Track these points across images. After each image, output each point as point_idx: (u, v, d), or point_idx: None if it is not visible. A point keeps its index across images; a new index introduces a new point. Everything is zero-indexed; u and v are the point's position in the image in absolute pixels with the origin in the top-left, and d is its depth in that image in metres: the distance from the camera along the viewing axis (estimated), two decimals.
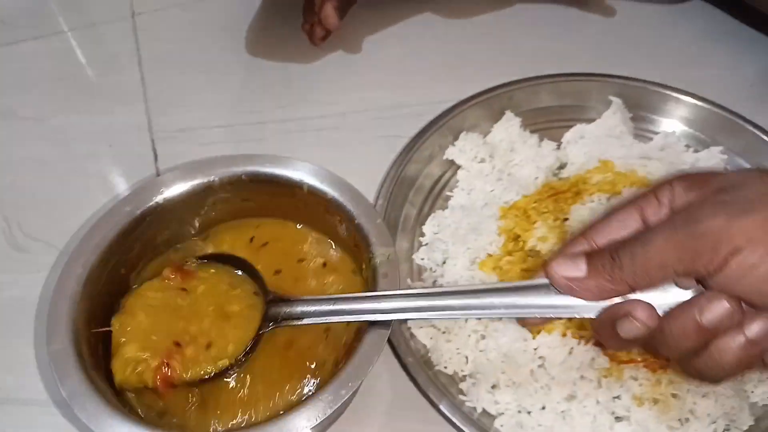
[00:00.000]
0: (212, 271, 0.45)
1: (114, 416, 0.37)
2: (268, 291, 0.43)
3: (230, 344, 0.42)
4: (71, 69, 0.75)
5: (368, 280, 0.45)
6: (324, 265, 0.49)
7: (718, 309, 0.30)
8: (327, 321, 0.41)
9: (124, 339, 0.42)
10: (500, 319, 0.49)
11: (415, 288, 0.52)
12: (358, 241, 0.46)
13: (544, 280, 0.36)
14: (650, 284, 0.33)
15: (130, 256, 0.47)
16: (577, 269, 0.34)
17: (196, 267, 0.46)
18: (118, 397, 0.41)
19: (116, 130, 0.67)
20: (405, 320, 0.50)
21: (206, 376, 0.41)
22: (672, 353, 0.33)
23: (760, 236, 0.29)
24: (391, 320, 0.41)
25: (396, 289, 0.43)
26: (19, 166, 0.64)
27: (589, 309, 0.35)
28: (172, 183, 0.48)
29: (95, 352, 0.42)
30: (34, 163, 0.64)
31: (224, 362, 0.41)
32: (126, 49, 0.75)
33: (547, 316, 0.39)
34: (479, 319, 0.48)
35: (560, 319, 0.46)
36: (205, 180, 0.48)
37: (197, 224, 0.51)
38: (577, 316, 0.36)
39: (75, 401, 0.38)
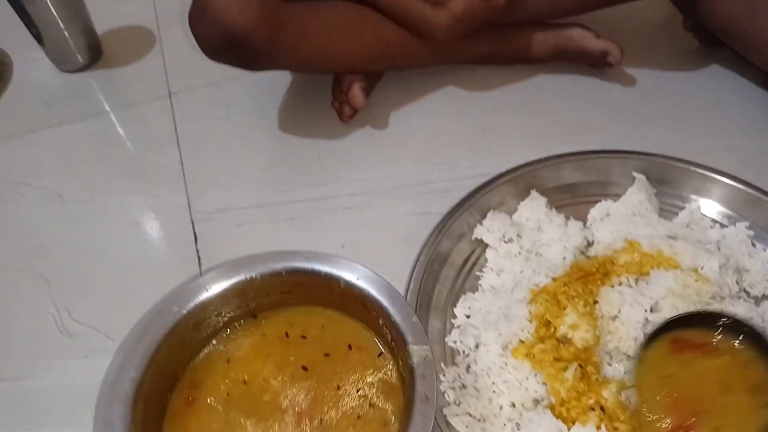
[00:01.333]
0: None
1: None
2: None
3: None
4: (112, 150, 0.78)
5: (406, 380, 0.46)
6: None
7: None
8: None
9: None
10: (535, 408, 0.50)
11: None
12: (395, 337, 0.47)
13: None
14: None
15: (178, 353, 0.50)
16: None
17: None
18: None
19: (158, 211, 0.70)
20: (440, 408, 0.51)
21: None
22: None
23: None
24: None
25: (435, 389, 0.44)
26: (64, 249, 0.67)
27: None
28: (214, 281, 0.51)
29: None
30: (80, 247, 0.67)
31: None
32: (164, 129, 0.79)
33: None
34: None
35: None
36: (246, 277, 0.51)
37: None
38: None
39: None
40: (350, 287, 0.50)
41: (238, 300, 0.52)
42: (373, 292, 0.49)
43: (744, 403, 0.45)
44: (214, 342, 0.52)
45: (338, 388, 0.49)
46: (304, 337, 0.52)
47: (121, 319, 0.59)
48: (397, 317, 0.47)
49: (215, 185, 0.72)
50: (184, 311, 0.49)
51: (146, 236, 0.68)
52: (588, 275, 0.57)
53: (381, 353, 0.50)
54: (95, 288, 0.64)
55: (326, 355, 0.51)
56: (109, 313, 0.61)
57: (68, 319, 0.61)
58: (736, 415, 0.44)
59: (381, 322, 0.49)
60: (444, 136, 0.76)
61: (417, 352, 0.46)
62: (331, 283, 0.51)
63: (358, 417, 0.47)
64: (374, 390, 0.49)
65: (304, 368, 0.50)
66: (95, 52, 0.89)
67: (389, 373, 0.49)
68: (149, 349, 0.47)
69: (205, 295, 0.50)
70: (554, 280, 0.57)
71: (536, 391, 0.51)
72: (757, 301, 0.58)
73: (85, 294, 0.63)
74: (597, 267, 0.58)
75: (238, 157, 0.76)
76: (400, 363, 0.48)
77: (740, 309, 0.54)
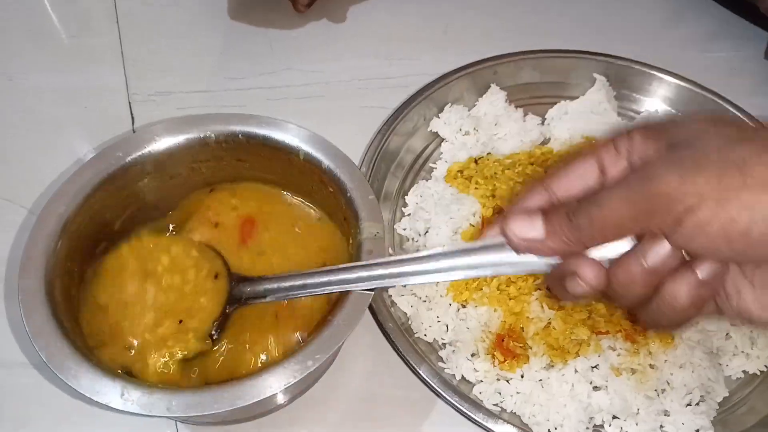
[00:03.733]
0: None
1: (76, 359, 0.36)
2: (232, 272, 0.43)
3: (199, 322, 0.41)
4: (45, 26, 0.72)
5: (353, 256, 0.44)
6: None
7: (661, 250, 0.30)
8: (290, 297, 0.40)
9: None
10: (480, 288, 0.49)
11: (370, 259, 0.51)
12: (348, 215, 0.45)
13: (501, 239, 0.35)
14: (606, 243, 0.33)
15: (115, 203, 0.46)
16: (534, 229, 0.33)
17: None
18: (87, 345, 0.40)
19: (92, 91, 0.65)
20: (386, 288, 0.50)
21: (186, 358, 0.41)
22: (625, 302, 0.33)
23: (712, 193, 0.29)
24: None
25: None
26: None
27: (543, 265, 0.34)
28: (164, 134, 0.47)
29: (68, 293, 0.41)
30: (3, 123, 0.62)
31: (199, 345, 0.41)
32: (103, 7, 0.73)
33: (504, 273, 0.38)
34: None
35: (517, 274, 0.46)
36: (201, 135, 0.47)
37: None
38: (531, 271, 0.36)
39: (38, 341, 0.37)
40: (309, 160, 0.46)
41: (186, 161, 0.48)
42: (332, 165, 0.46)
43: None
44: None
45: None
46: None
47: (45, 192, 0.55)
48: (353, 193, 0.44)
49: (156, 69, 0.67)
50: (127, 159, 0.45)
51: (77, 114, 0.63)
52: (536, 161, 0.56)
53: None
54: (15, 162, 0.59)
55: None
56: (32, 188, 0.56)
57: None
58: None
59: (336, 199, 0.46)
60: (405, 33, 0.72)
61: (368, 228, 0.43)
62: (290, 156, 0.47)
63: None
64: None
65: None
66: None
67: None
68: (83, 189, 0.43)
69: (152, 146, 0.46)
70: (505, 167, 0.56)
71: None
72: None
73: (6, 168, 0.58)
74: (545, 154, 0.57)
75: (183, 43, 0.70)
76: (350, 240, 0.45)
77: None
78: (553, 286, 0.35)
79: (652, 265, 0.31)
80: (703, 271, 0.31)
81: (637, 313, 0.34)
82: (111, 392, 0.36)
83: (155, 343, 0.41)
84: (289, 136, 0.47)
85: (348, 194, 0.44)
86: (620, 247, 0.32)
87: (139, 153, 0.46)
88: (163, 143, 0.47)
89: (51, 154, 0.59)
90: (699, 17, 0.75)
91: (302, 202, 0.50)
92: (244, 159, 0.49)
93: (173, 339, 0.41)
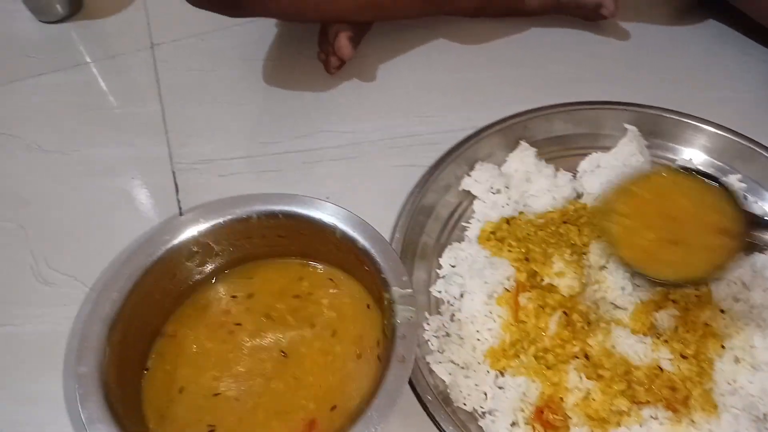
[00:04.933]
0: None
1: None
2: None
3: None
4: (92, 101, 0.76)
5: (387, 337, 0.45)
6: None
7: None
8: None
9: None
10: (518, 356, 0.49)
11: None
12: (382, 295, 0.46)
13: None
14: None
15: (166, 284, 0.49)
16: None
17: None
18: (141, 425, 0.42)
19: (138, 162, 0.69)
20: (424, 356, 0.51)
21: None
22: None
23: None
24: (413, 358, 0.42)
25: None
26: (44, 200, 0.66)
27: None
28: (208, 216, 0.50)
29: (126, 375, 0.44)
30: (59, 198, 0.66)
31: None
32: (146, 81, 0.77)
33: None
34: None
35: None
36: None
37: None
38: None
39: (92, 426, 0.39)
40: (346, 238, 0.48)
41: (226, 242, 0.50)
42: (367, 245, 0.47)
43: (709, 240, 0.47)
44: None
45: (333, 334, 0.48)
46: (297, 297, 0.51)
47: (100, 268, 0.58)
48: (388, 275, 0.46)
49: (198, 136, 0.70)
50: (174, 242, 0.48)
51: (126, 186, 0.66)
52: (569, 220, 0.56)
53: (368, 305, 0.50)
54: (73, 237, 0.62)
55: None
56: (87, 262, 0.59)
57: (45, 268, 0.60)
58: (701, 247, 0.47)
59: (371, 278, 0.48)
60: (433, 89, 0.74)
61: (402, 312, 0.44)
62: (326, 232, 0.49)
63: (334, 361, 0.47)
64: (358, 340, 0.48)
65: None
66: (75, 2, 0.86)
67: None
68: (133, 275, 0.46)
69: (189, 233, 0.49)
70: (538, 227, 0.56)
71: None
72: (747, 252, 0.57)
73: (63, 243, 0.62)
74: (578, 211, 0.57)
75: (222, 109, 0.74)
76: (385, 322, 0.46)
77: None
78: None
79: None
80: None
81: None
82: None
83: None
84: (326, 215, 0.49)
85: (382, 275, 0.45)
86: None
87: (185, 236, 0.49)
88: (207, 224, 0.50)
89: (104, 230, 0.62)
90: (739, 58, 0.75)
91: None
92: (284, 235, 0.51)
93: None
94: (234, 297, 0.51)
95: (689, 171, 0.51)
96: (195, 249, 0.50)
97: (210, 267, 0.51)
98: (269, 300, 0.51)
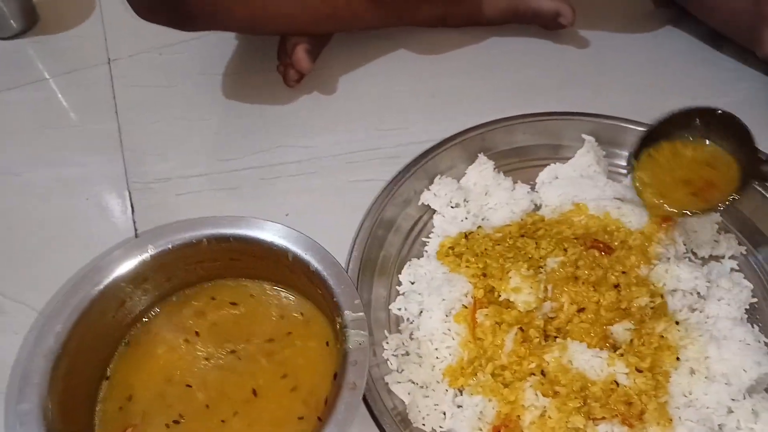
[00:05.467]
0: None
1: None
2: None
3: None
4: (49, 118, 0.74)
5: (337, 362, 0.44)
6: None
7: None
8: None
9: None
10: (476, 374, 0.49)
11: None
12: (334, 318, 0.46)
13: None
14: None
15: (113, 314, 0.48)
16: None
17: None
18: None
19: (93, 181, 0.67)
20: (382, 376, 0.50)
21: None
22: None
23: None
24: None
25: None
26: None
27: None
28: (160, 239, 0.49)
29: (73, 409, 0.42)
30: (12, 222, 0.64)
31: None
32: (103, 97, 0.75)
33: None
34: None
35: None
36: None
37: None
38: None
39: None
40: (299, 261, 0.47)
41: (175, 267, 0.49)
42: (320, 268, 0.47)
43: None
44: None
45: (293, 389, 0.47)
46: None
47: (51, 294, 0.57)
48: (340, 298, 0.45)
49: (154, 154, 0.69)
50: (119, 273, 0.47)
51: (80, 207, 0.65)
52: (526, 233, 0.56)
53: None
54: (25, 262, 0.61)
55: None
56: (37, 288, 0.58)
57: None
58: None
59: (324, 301, 0.47)
60: (393, 100, 0.74)
61: (353, 336, 0.44)
62: (278, 255, 0.48)
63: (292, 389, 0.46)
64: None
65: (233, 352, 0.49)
66: (30, 17, 0.84)
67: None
68: (79, 307, 0.45)
69: (138, 259, 0.48)
70: (495, 241, 0.56)
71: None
72: (704, 261, 0.57)
73: (15, 268, 0.60)
74: (535, 224, 0.57)
75: (179, 125, 0.72)
76: (337, 344, 0.46)
77: (685, 270, 0.53)
78: None
79: None
80: None
81: None
82: None
83: None
84: (278, 238, 0.48)
85: (334, 299, 0.45)
86: None
87: (136, 260, 0.47)
88: (158, 249, 0.48)
89: (57, 254, 0.61)
90: (701, 66, 0.75)
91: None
92: (237, 258, 0.50)
93: None
94: (186, 323, 0.50)
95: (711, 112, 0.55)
96: (144, 276, 0.48)
97: (158, 293, 0.50)
98: (224, 328, 0.50)
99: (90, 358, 0.46)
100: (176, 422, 0.44)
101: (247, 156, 0.68)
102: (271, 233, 0.48)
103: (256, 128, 0.71)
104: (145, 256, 0.48)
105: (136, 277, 0.48)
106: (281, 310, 0.50)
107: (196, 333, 0.49)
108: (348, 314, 0.44)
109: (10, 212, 0.65)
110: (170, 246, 0.48)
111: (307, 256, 0.47)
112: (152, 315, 0.50)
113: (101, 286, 0.46)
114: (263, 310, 0.50)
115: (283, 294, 0.51)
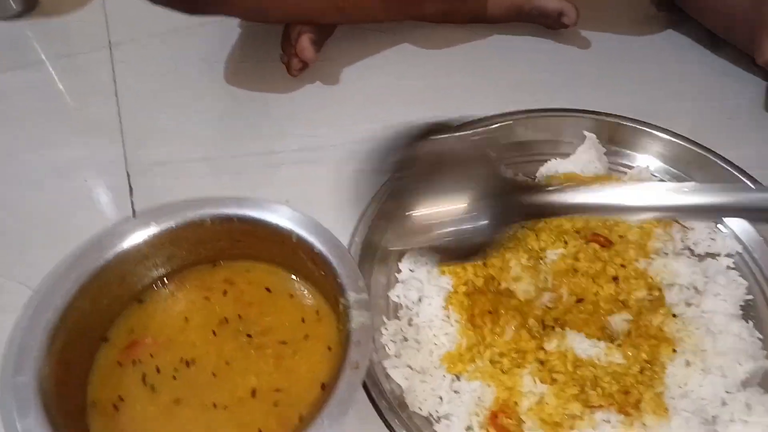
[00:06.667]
0: None
1: None
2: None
3: None
4: (46, 101, 0.74)
5: (342, 342, 0.44)
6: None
7: None
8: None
9: None
10: (474, 360, 0.49)
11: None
12: (338, 299, 0.46)
13: None
14: None
15: (114, 289, 0.47)
16: None
17: None
18: None
19: (92, 164, 0.67)
20: (380, 360, 0.50)
21: None
22: None
23: None
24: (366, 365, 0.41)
25: None
26: None
27: None
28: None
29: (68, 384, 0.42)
30: (7, 201, 0.63)
31: None
32: (103, 81, 0.75)
33: None
34: None
35: None
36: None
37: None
38: None
39: None
40: (302, 242, 0.47)
41: (178, 246, 0.49)
42: (324, 249, 0.47)
43: None
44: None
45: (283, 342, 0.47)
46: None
47: (50, 273, 0.56)
48: (344, 280, 0.45)
49: (155, 138, 0.69)
50: (120, 249, 0.46)
51: (78, 189, 0.64)
52: (526, 225, 0.56)
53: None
54: (21, 242, 0.60)
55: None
56: (35, 267, 0.57)
57: None
58: None
59: (327, 282, 0.47)
60: (397, 94, 0.74)
61: (357, 317, 0.44)
62: (282, 236, 0.48)
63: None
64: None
65: (249, 336, 0.48)
66: None
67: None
68: (78, 280, 0.44)
69: (140, 236, 0.47)
70: None
71: None
72: (701, 258, 0.58)
73: (10, 249, 0.59)
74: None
75: (181, 111, 0.72)
76: (340, 327, 0.46)
77: (683, 265, 0.54)
78: None
79: None
80: None
81: None
82: None
83: None
84: (283, 219, 0.48)
85: (338, 280, 0.45)
86: None
87: (135, 240, 0.47)
88: (158, 228, 0.48)
89: (54, 234, 0.60)
90: (700, 70, 0.76)
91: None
92: (240, 239, 0.50)
93: None
94: (189, 302, 0.50)
95: None
96: (146, 253, 0.48)
97: (161, 271, 0.50)
98: (226, 306, 0.49)
99: (87, 331, 0.45)
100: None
101: (249, 143, 0.68)
102: (275, 215, 0.48)
103: (258, 116, 0.71)
104: (148, 232, 0.47)
105: (138, 253, 0.47)
106: (303, 312, 0.49)
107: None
108: (352, 295, 0.44)
109: (7, 194, 0.64)
110: (174, 224, 0.48)
111: (311, 237, 0.47)
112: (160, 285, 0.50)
113: (102, 261, 0.46)
114: (286, 306, 0.50)
115: (306, 292, 0.50)
